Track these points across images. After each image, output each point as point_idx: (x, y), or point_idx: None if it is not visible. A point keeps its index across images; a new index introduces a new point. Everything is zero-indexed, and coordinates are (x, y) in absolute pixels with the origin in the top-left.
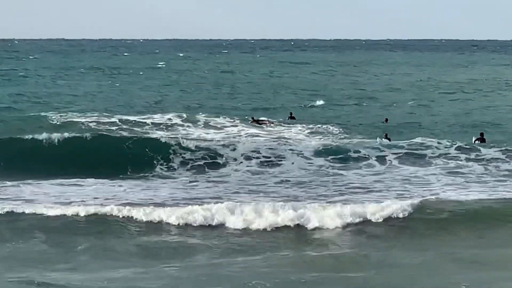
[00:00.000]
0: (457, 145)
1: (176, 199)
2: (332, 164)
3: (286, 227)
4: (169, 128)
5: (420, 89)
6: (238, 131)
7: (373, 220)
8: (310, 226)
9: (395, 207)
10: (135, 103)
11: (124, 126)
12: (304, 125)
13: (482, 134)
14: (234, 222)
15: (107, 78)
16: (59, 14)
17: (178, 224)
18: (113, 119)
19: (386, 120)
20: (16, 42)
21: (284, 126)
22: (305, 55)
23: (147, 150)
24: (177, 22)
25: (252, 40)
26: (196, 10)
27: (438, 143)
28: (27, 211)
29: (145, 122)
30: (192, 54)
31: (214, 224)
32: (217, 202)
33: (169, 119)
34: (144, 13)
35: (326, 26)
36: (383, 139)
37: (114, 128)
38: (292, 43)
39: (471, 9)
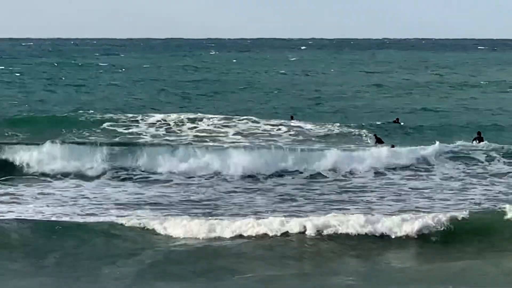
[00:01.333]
0: (453, 146)
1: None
2: (313, 166)
3: None
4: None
5: (429, 89)
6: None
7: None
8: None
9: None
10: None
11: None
12: (304, 125)
13: (479, 133)
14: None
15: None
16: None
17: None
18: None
19: (397, 120)
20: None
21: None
22: (305, 54)
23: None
24: (170, 21)
25: (248, 39)
26: (191, 10)
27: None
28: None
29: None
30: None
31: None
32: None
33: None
34: (139, 12)
35: (323, 25)
36: (375, 142)
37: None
38: (298, 42)
39: (470, 8)
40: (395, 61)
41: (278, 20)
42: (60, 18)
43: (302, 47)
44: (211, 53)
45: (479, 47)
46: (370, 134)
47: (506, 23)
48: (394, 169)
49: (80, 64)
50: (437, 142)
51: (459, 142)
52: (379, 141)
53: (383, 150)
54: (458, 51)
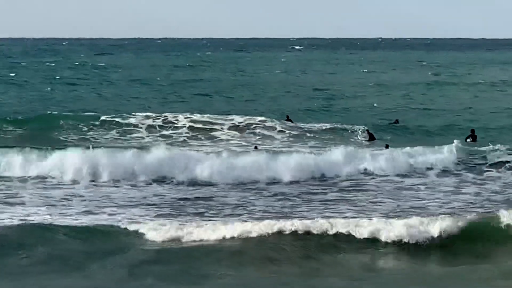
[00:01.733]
0: (447, 148)
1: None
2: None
3: None
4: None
5: (426, 88)
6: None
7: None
8: None
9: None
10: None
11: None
12: (301, 125)
13: (473, 131)
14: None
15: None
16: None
17: None
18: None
19: (397, 121)
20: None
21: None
22: (301, 53)
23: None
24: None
25: (244, 38)
26: (187, 9)
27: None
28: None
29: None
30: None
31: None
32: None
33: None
34: (134, 12)
35: (317, 25)
36: (368, 139)
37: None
38: (293, 41)
39: (464, 8)
40: (391, 60)
41: (274, 20)
42: (54, 18)
43: (297, 47)
44: (207, 53)
45: (474, 47)
46: (362, 128)
47: (501, 23)
48: (408, 172)
49: (76, 63)
50: (448, 146)
51: (456, 142)
52: (371, 137)
53: (393, 152)
54: (454, 51)
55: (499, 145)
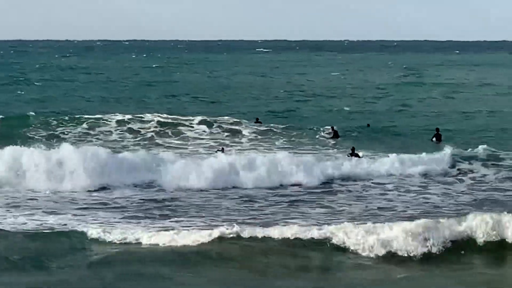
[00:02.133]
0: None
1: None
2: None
3: None
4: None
5: (396, 90)
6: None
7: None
8: None
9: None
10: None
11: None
12: (270, 127)
13: (437, 130)
14: None
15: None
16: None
17: None
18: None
19: (368, 125)
20: None
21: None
22: (271, 56)
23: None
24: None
25: (216, 41)
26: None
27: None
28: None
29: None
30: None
31: None
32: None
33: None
34: (98, 14)
35: (281, 27)
36: (332, 136)
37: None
38: (261, 44)
39: (435, 10)
40: (359, 62)
41: (239, 22)
42: (21, 20)
43: (264, 49)
44: (176, 55)
45: (441, 49)
46: (327, 127)
47: (468, 25)
48: (376, 175)
49: (43, 64)
50: (449, 150)
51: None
52: (335, 134)
53: (362, 155)
54: (422, 53)
55: (471, 147)
